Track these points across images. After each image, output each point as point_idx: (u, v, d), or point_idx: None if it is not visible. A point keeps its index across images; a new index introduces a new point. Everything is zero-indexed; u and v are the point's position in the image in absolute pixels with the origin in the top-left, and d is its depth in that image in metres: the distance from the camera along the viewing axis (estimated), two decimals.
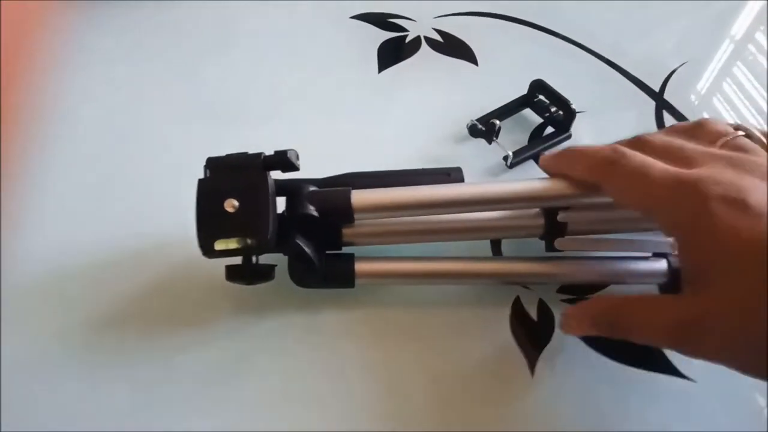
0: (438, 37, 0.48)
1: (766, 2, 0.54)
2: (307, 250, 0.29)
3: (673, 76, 0.47)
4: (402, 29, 0.48)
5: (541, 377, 0.30)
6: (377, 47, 0.47)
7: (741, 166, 0.25)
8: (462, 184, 0.31)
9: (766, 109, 0.45)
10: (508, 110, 0.41)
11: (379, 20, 0.49)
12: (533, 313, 0.32)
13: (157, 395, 0.29)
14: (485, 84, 0.44)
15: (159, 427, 0.28)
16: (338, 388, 0.29)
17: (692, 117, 0.44)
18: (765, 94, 0.46)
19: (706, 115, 0.44)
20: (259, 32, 0.47)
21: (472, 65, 0.46)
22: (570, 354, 0.31)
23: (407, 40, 0.47)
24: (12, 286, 0.32)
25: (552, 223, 0.30)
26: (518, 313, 0.32)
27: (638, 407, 0.29)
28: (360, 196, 0.29)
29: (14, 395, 0.28)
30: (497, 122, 0.38)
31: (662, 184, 0.25)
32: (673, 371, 0.30)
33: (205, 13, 0.48)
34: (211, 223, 0.27)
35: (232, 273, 0.28)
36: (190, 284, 0.32)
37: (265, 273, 0.29)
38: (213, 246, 0.27)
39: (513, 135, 0.40)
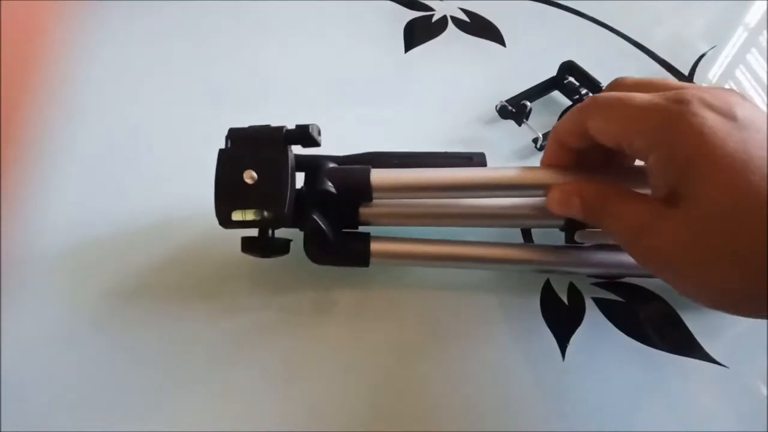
0: (465, 17, 0.47)
1: None
2: (323, 226, 0.28)
3: (703, 59, 0.46)
4: (428, 8, 0.48)
5: (573, 361, 0.30)
6: (403, 26, 0.46)
7: (730, 90, 0.23)
8: (482, 168, 0.31)
9: None
10: (536, 92, 0.41)
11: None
12: (564, 297, 0.32)
13: (168, 366, 0.29)
14: (513, 65, 0.44)
15: (169, 395, 0.28)
16: (348, 367, 0.29)
17: None
18: None
19: None
20: (282, 12, 0.47)
21: (500, 46, 0.45)
22: (601, 338, 0.30)
23: (434, 19, 0.47)
24: (32, 259, 0.32)
25: None
26: (549, 297, 0.32)
27: (669, 391, 0.29)
28: (379, 175, 0.29)
29: (32, 362, 0.28)
30: (528, 104, 0.37)
31: (644, 102, 0.24)
32: (705, 356, 0.30)
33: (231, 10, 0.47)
34: (229, 194, 0.27)
35: (248, 245, 0.28)
36: (207, 259, 0.32)
37: (281, 247, 0.29)
38: (230, 216, 0.27)
39: (541, 117, 0.40)
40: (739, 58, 0.47)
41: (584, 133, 0.26)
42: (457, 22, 0.47)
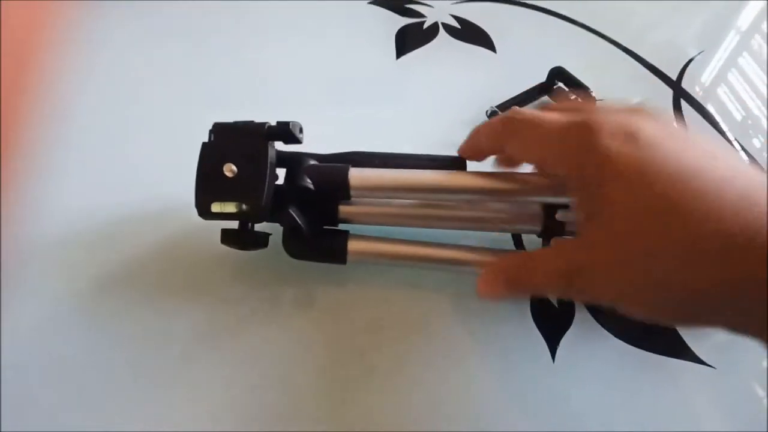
0: (455, 24, 0.48)
1: None
2: (299, 221, 0.29)
3: (691, 64, 0.47)
4: (420, 15, 0.48)
5: (563, 363, 0.30)
6: (395, 33, 0.46)
7: (636, 111, 0.25)
8: (460, 172, 0.31)
9: None
10: (526, 97, 0.41)
11: (397, 6, 0.49)
12: (554, 299, 0.32)
13: (151, 355, 0.29)
14: (503, 71, 0.44)
15: (153, 384, 0.28)
16: (326, 363, 0.29)
17: (711, 106, 0.44)
18: None
19: (726, 103, 0.44)
20: (276, 17, 0.47)
21: (490, 52, 0.46)
22: (590, 339, 0.31)
23: (425, 26, 0.47)
24: (22, 252, 0.32)
25: (550, 221, 0.30)
26: (539, 300, 0.32)
27: (657, 392, 0.29)
28: (357, 174, 0.29)
29: (24, 352, 0.29)
30: None
31: (553, 129, 0.25)
32: (693, 357, 0.30)
33: (233, 15, 0.48)
34: (209, 186, 0.28)
35: (227, 237, 0.29)
36: (190, 252, 0.33)
37: (259, 240, 0.29)
38: (209, 208, 0.27)
39: None
40: (727, 62, 0.48)
41: (503, 152, 0.28)
42: (448, 29, 0.47)
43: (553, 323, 0.31)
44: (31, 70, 0.41)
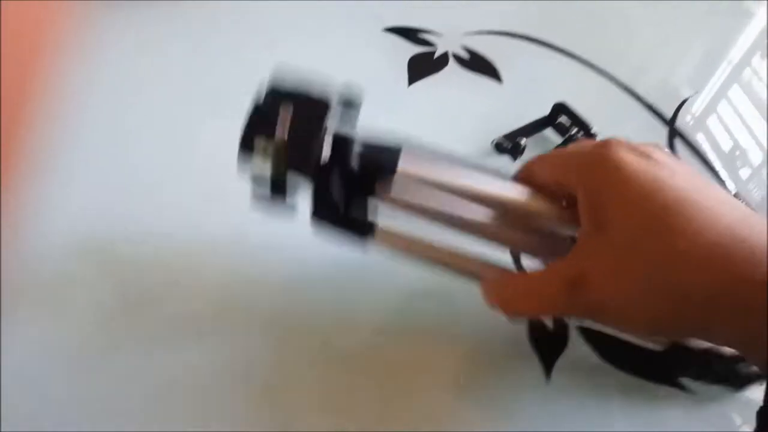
0: (465, 55, 0.50)
1: None
2: (332, 179, 0.28)
3: (686, 104, 0.49)
4: (430, 44, 0.50)
5: (557, 384, 0.32)
6: (406, 60, 0.48)
7: (651, 143, 0.27)
8: (507, 183, 0.30)
9: None
10: (530, 129, 0.44)
11: (410, 34, 0.51)
12: (549, 322, 0.34)
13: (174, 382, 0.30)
14: (508, 102, 0.46)
15: (159, 398, 0.29)
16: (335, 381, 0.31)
17: (704, 145, 0.46)
18: None
19: (719, 142, 0.47)
20: (290, 40, 0.49)
21: (497, 83, 0.48)
22: (584, 362, 0.33)
23: (435, 55, 0.49)
24: (25, 257, 0.32)
25: None
26: (535, 322, 0.34)
27: (648, 416, 0.31)
28: (409, 156, 0.29)
29: (48, 373, 0.29)
30: (523, 141, 0.40)
31: (573, 149, 0.28)
32: (677, 384, 0.32)
33: (234, 17, 0.49)
34: (260, 122, 0.27)
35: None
36: (203, 273, 0.33)
37: (284, 190, 0.28)
38: (252, 141, 0.27)
39: (533, 153, 0.42)
40: (721, 102, 0.50)
41: (533, 179, 0.29)
42: (458, 59, 0.49)
43: (548, 346, 0.33)
44: (32, 75, 0.41)
